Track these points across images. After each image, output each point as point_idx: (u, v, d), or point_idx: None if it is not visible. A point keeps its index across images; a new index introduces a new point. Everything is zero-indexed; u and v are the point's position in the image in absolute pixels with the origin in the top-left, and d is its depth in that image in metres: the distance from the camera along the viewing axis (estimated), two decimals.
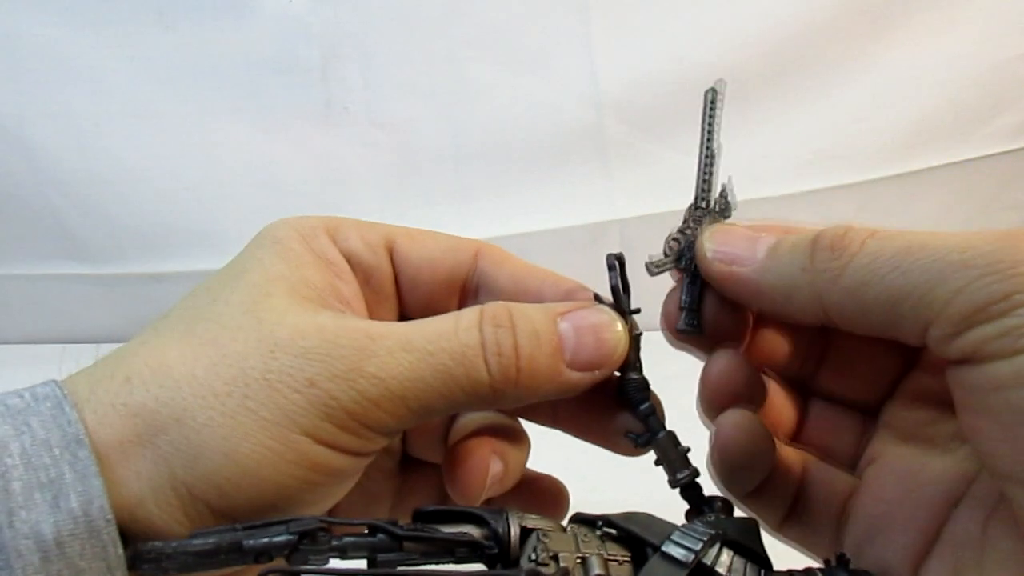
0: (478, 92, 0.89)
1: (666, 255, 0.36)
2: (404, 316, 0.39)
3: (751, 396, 0.35)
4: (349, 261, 0.36)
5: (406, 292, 0.38)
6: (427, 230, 0.39)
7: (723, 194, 0.37)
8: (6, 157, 0.87)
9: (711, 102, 0.38)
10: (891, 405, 0.35)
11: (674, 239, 0.36)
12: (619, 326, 0.34)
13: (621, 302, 0.35)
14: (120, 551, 0.26)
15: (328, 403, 0.29)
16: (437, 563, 0.29)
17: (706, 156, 0.37)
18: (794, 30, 0.87)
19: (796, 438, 0.37)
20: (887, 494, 0.33)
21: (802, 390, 0.38)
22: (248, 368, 0.29)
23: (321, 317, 0.31)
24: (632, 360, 0.35)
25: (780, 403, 0.37)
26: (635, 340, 0.35)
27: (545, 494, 0.41)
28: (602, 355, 0.34)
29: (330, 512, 0.37)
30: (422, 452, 0.41)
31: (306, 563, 0.26)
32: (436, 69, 0.88)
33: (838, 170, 0.92)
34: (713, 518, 0.33)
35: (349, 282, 0.36)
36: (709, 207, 0.36)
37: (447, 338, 0.31)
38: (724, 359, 0.35)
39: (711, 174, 0.37)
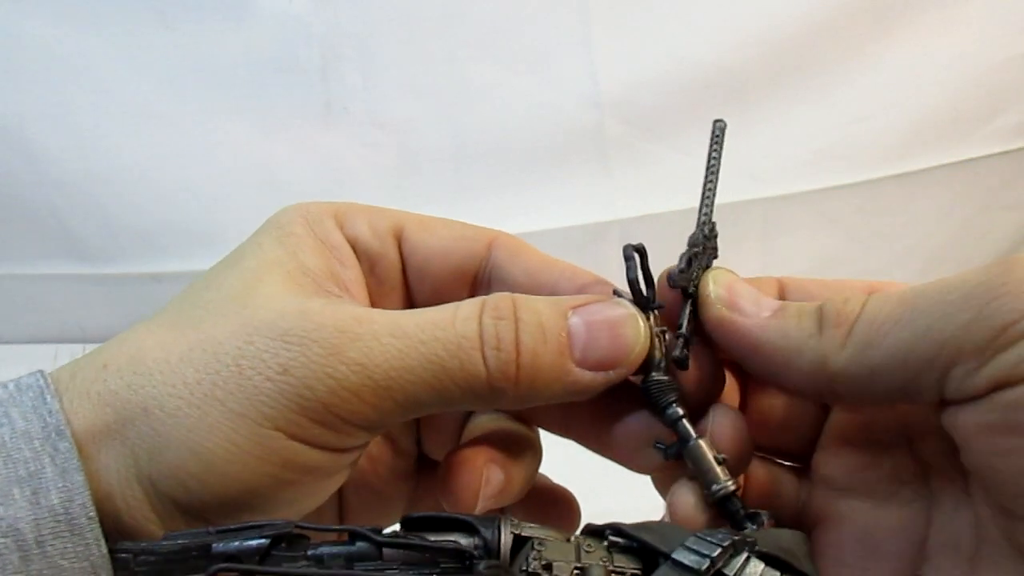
0: (478, 92, 0.89)
1: (682, 271, 0.32)
2: (411, 308, 0.36)
3: (747, 457, 0.33)
4: (354, 248, 0.34)
5: (414, 282, 0.36)
6: (440, 218, 0.36)
7: (714, 234, 0.34)
8: (6, 157, 0.87)
9: (721, 132, 0.35)
10: (820, 454, 0.34)
11: (689, 258, 0.32)
12: (639, 322, 0.31)
13: (641, 296, 0.32)
14: (104, 550, 0.25)
15: (302, 393, 0.27)
16: (419, 573, 0.26)
17: (712, 189, 0.34)
18: (794, 30, 0.87)
19: None
20: (850, 560, 0.32)
21: None
22: (221, 354, 0.27)
23: (310, 301, 0.29)
24: (656, 359, 0.32)
25: None
26: (658, 338, 0.32)
27: (552, 506, 0.38)
28: (617, 353, 0.30)
29: (340, 515, 0.36)
30: (437, 453, 0.38)
31: (279, 568, 0.25)
32: (436, 69, 0.88)
33: (838, 170, 0.92)
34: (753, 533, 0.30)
35: (352, 268, 0.34)
36: (709, 239, 0.33)
37: (442, 327, 0.28)
38: (730, 417, 0.32)
39: (712, 208, 0.34)
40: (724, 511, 0.31)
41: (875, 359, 0.28)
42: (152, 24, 0.85)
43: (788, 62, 0.88)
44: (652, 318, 0.32)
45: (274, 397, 0.27)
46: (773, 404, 0.34)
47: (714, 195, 0.34)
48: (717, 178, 0.34)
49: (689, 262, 0.32)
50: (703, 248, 0.33)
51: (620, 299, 0.32)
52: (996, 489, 0.27)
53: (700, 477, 0.31)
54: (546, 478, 0.39)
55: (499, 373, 0.29)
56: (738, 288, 0.32)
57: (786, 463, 0.35)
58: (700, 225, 0.33)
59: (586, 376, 0.30)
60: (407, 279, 0.36)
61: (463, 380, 0.28)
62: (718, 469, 0.31)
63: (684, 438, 0.31)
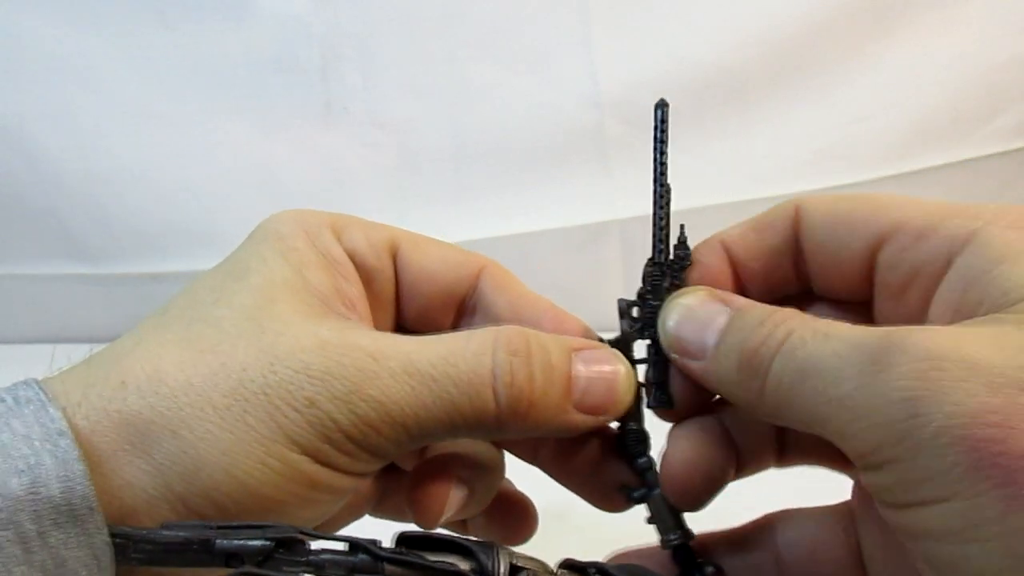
0: (478, 92, 0.88)
1: (629, 327, 0.34)
2: (399, 324, 0.38)
3: (721, 473, 0.34)
4: (353, 261, 0.35)
5: (404, 300, 0.37)
6: (432, 239, 0.37)
7: (681, 241, 0.34)
8: (6, 157, 0.86)
9: (662, 120, 0.34)
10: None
11: (634, 305, 0.34)
12: (631, 377, 0.33)
13: (631, 350, 0.34)
14: (107, 538, 0.25)
15: (327, 424, 0.28)
16: None
17: (662, 193, 0.34)
18: (794, 30, 0.87)
19: (785, 447, 0.36)
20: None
21: None
22: (247, 381, 0.28)
23: (324, 330, 0.30)
24: (633, 410, 0.34)
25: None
26: (638, 389, 0.34)
27: (511, 511, 0.39)
28: (611, 402, 0.32)
29: None
30: (404, 462, 0.40)
31: (279, 572, 0.25)
32: (436, 69, 0.88)
33: (838, 170, 0.92)
34: None
35: (354, 283, 0.35)
36: (667, 260, 0.34)
37: (453, 363, 0.30)
38: (685, 442, 0.34)
39: (668, 216, 0.34)
40: (676, 559, 0.34)
41: (786, 420, 0.28)
42: (152, 24, 0.85)
43: (788, 62, 0.88)
44: (635, 372, 0.34)
45: (302, 426, 0.28)
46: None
47: (667, 201, 0.34)
48: (668, 184, 0.34)
49: (636, 306, 0.34)
50: (652, 283, 0.34)
51: (616, 352, 0.33)
52: None
53: (658, 524, 0.34)
54: (508, 483, 0.40)
55: (509, 409, 0.30)
56: (683, 328, 0.32)
57: None
58: (653, 252, 0.34)
59: (579, 418, 0.32)
60: (398, 295, 0.37)
61: (472, 415, 0.30)
62: (675, 520, 0.34)
63: (651, 486, 0.34)
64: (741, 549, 0.36)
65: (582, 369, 0.32)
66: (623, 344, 0.34)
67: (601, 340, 0.35)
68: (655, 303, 0.33)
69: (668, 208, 0.35)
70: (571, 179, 0.90)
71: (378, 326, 0.36)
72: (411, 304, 0.37)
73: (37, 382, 0.28)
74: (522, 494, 0.40)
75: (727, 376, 0.30)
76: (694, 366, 0.32)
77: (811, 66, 0.88)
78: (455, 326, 0.38)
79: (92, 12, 0.84)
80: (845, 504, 0.35)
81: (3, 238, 0.91)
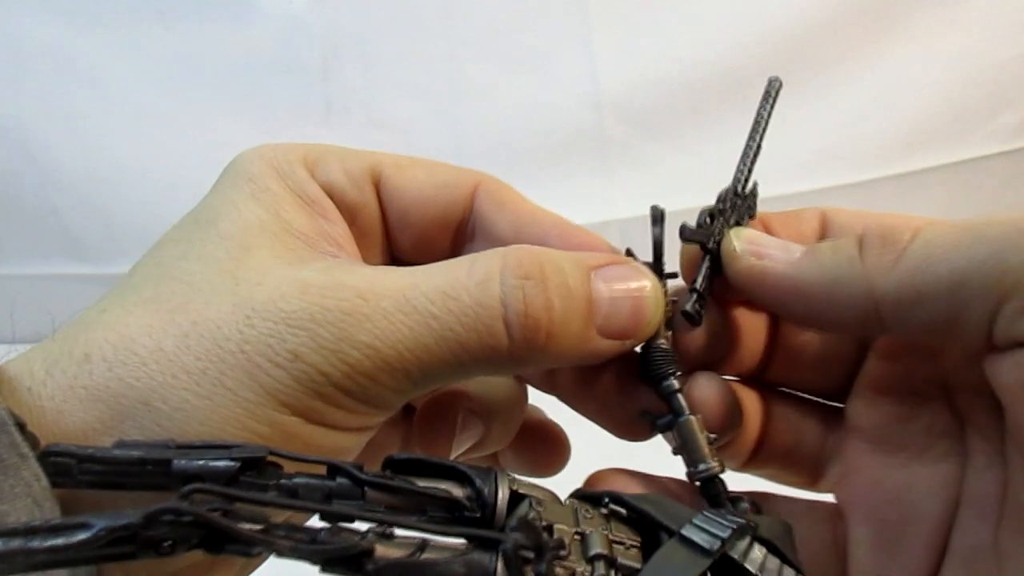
0: (478, 92, 0.89)
1: (700, 226, 0.30)
2: (392, 256, 0.34)
3: (732, 423, 0.31)
4: (331, 197, 0.31)
5: (394, 230, 0.33)
6: (418, 159, 0.33)
7: (754, 193, 0.32)
8: (6, 157, 0.87)
9: (775, 92, 0.34)
10: (854, 402, 0.32)
11: (711, 214, 0.31)
12: (659, 293, 0.29)
13: (662, 261, 0.30)
14: (45, 483, 0.22)
15: (316, 379, 0.25)
16: (404, 521, 0.23)
17: (756, 146, 0.33)
18: (794, 30, 0.87)
19: (759, 446, 0.34)
20: (883, 520, 0.31)
21: (762, 393, 0.34)
22: (221, 339, 0.25)
23: (305, 272, 0.27)
24: (661, 328, 0.30)
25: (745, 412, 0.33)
26: (668, 306, 0.30)
27: (542, 442, 0.36)
28: (638, 325, 0.29)
29: None
30: (417, 402, 0.36)
31: (246, 496, 0.21)
32: (436, 69, 0.88)
33: (838, 170, 0.92)
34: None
35: (337, 222, 0.31)
36: (745, 198, 0.32)
37: (455, 296, 0.26)
38: (706, 386, 0.31)
39: (752, 168, 0.33)
40: (706, 492, 0.30)
41: (926, 283, 0.25)
42: (152, 24, 0.85)
43: (788, 62, 0.88)
44: (665, 286, 0.30)
45: (288, 384, 0.25)
46: (806, 341, 0.32)
47: (756, 155, 0.33)
48: (762, 138, 0.33)
49: (711, 217, 0.31)
50: (731, 205, 0.31)
51: (640, 265, 0.30)
52: None
53: (687, 454, 0.30)
54: (538, 411, 0.37)
55: (524, 342, 0.26)
56: (763, 239, 0.30)
57: (818, 401, 0.33)
58: (734, 182, 0.32)
59: (603, 344, 0.28)
60: (387, 227, 0.33)
61: (482, 353, 0.26)
62: (707, 449, 0.30)
63: (677, 412, 0.30)
64: None
65: (604, 289, 0.28)
66: (656, 253, 0.30)
67: (630, 252, 0.31)
68: (726, 221, 0.31)
69: (754, 162, 0.33)
70: (571, 179, 0.90)
71: (369, 263, 0.32)
72: (402, 236, 0.33)
73: None
74: (552, 422, 0.36)
75: (833, 261, 0.27)
76: (774, 266, 0.29)
77: (811, 66, 0.89)
78: (455, 255, 0.33)
79: (92, 12, 0.84)
80: (830, 504, 0.33)
81: (3, 238, 0.91)
